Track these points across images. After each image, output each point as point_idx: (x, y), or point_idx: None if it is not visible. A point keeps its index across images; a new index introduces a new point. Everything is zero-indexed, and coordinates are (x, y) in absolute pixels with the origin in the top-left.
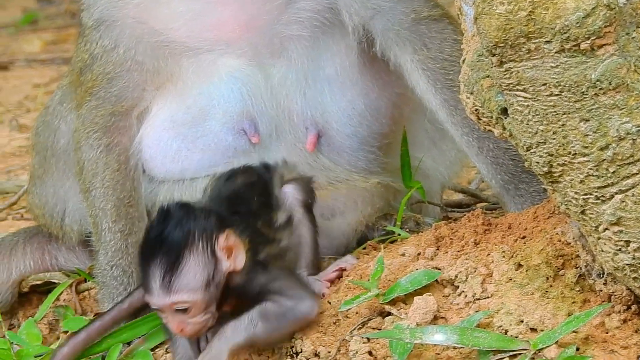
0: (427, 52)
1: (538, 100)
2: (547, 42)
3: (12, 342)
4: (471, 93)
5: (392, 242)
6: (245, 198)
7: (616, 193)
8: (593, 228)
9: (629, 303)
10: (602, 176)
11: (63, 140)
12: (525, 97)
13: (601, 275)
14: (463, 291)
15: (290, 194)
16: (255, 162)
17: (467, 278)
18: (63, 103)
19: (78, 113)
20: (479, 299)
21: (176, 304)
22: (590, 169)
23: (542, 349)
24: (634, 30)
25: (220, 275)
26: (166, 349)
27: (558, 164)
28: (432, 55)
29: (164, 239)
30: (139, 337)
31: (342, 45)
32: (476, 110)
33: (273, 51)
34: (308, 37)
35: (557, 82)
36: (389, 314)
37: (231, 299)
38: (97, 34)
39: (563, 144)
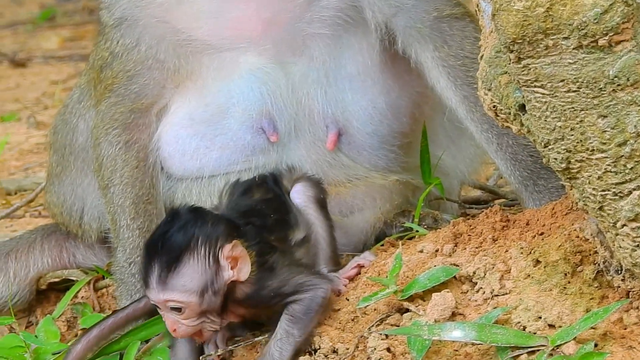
0: (447, 49)
1: (556, 96)
2: (565, 38)
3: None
4: (489, 89)
5: (410, 238)
6: (262, 213)
7: (634, 189)
8: (611, 224)
9: None
10: (620, 172)
11: (81, 138)
12: (543, 94)
13: (619, 272)
14: (481, 288)
15: (301, 191)
16: (273, 160)
17: (485, 274)
18: (81, 101)
19: (97, 110)
20: (497, 296)
21: (170, 301)
22: (608, 165)
23: (560, 345)
24: None
25: (220, 283)
26: None
27: (576, 160)
28: (452, 53)
29: (166, 239)
30: (157, 335)
31: (364, 44)
32: (494, 106)
33: (294, 49)
34: (330, 35)
35: (574, 78)
36: (407, 310)
37: (239, 309)
38: (119, 32)
39: (581, 140)
